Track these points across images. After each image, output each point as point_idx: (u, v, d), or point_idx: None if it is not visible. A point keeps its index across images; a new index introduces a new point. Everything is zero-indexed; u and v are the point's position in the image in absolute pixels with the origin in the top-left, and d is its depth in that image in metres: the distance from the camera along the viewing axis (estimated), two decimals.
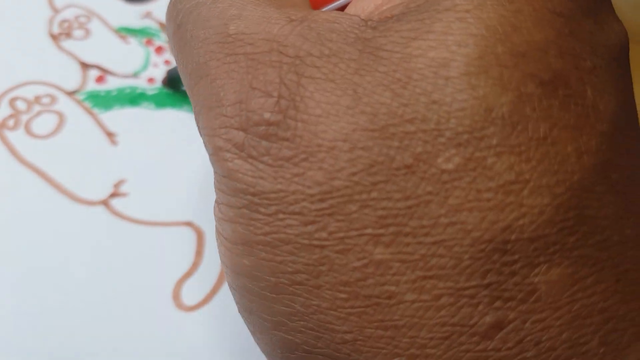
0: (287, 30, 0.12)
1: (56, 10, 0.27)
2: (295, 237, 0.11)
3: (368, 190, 0.11)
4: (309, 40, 0.12)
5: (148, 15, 0.27)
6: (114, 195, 0.22)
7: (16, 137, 0.23)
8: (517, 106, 0.10)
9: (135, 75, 0.25)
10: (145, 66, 0.25)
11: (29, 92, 0.24)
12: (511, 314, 0.10)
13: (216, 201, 0.13)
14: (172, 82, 0.24)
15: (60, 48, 0.25)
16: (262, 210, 0.12)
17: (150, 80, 0.25)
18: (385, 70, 0.11)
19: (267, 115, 0.11)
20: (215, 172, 0.13)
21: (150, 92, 0.25)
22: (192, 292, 0.20)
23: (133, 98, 0.24)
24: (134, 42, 0.26)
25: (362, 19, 0.12)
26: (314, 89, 0.11)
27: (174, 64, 0.26)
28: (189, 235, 0.21)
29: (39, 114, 0.23)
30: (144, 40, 0.26)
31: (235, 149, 0.12)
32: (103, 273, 0.20)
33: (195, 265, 0.21)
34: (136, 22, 0.27)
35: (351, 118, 0.11)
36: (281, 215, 0.11)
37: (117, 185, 0.22)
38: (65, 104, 0.24)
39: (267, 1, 0.13)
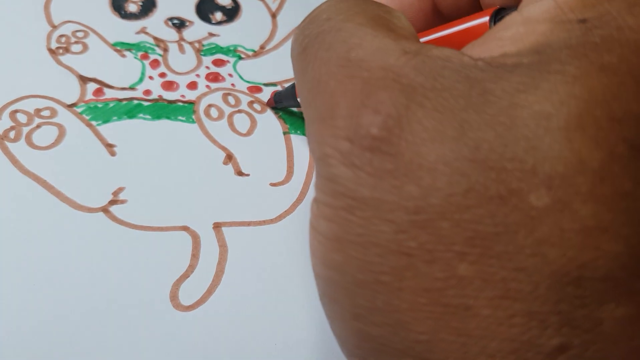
0: (403, 61, 0.13)
1: (54, 26, 0.28)
2: (385, 242, 0.12)
3: (461, 212, 0.12)
4: (422, 74, 0.13)
5: (143, 30, 0.28)
6: (113, 202, 0.23)
7: (17, 148, 0.24)
8: (607, 163, 0.11)
9: (131, 87, 0.26)
10: (141, 79, 0.26)
11: (29, 105, 0.25)
12: (575, 340, 0.11)
13: (314, 199, 0.14)
14: (277, 102, 0.26)
15: (59, 62, 0.26)
16: (358, 213, 0.12)
17: (146, 92, 0.26)
18: (492, 112, 0.12)
19: (374, 130, 0.12)
20: (318, 175, 0.14)
21: (146, 104, 0.26)
22: (188, 293, 0.21)
23: (130, 110, 0.25)
24: (129, 56, 0.27)
25: (472, 59, 0.13)
26: (422, 115, 0.12)
27: (169, 76, 0.27)
28: (185, 239, 0.22)
29: (39, 126, 0.24)
30: (140, 54, 0.27)
31: (340, 156, 0.13)
32: (103, 276, 0.21)
33: (191, 267, 0.22)
34: (132, 37, 0.28)
35: (455, 146, 0.12)
36: (375, 221, 0.12)
37: (116, 193, 0.23)
38: (64, 117, 0.25)
39: (384, 33, 0.14)
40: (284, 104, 0.26)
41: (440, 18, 0.19)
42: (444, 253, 0.12)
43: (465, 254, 0.12)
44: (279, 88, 0.27)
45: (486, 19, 0.16)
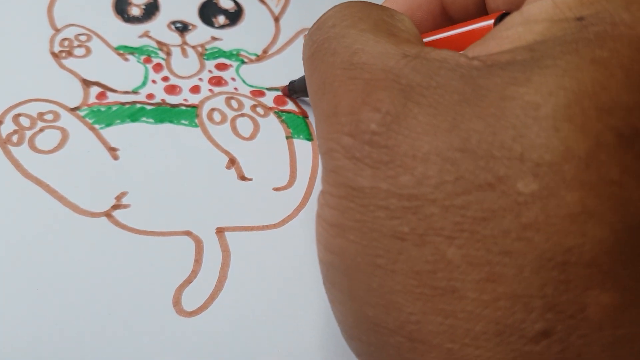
0: (402, 64, 0.14)
1: (57, 29, 0.28)
2: (380, 227, 0.13)
3: (451, 198, 0.12)
4: (420, 74, 0.13)
5: (146, 34, 0.28)
6: (116, 207, 0.23)
7: (20, 152, 0.23)
8: (593, 151, 0.12)
9: (134, 91, 0.26)
10: (144, 83, 0.26)
11: (32, 109, 0.25)
12: (559, 325, 0.11)
13: (321, 191, 0.15)
14: (291, 91, 0.27)
15: (62, 66, 0.26)
16: (357, 201, 0.13)
17: (149, 96, 0.26)
18: (483, 105, 0.12)
19: (373, 126, 0.13)
20: (324, 167, 0.15)
21: (149, 108, 0.26)
22: (191, 299, 0.21)
23: (133, 114, 0.25)
24: (132, 59, 0.27)
25: (468, 59, 0.14)
26: (418, 111, 0.13)
27: (172, 80, 0.27)
28: (188, 244, 0.22)
29: (42, 130, 0.24)
30: (143, 58, 0.27)
31: (343, 150, 0.14)
32: (106, 281, 0.21)
33: (194, 273, 0.22)
34: (134, 41, 0.28)
35: (447, 138, 0.12)
36: (372, 207, 0.13)
37: (119, 197, 0.23)
38: (67, 120, 0.25)
39: (386, 38, 0.15)
40: (298, 94, 0.27)
41: (448, 21, 0.20)
42: (433, 237, 0.12)
43: (454, 238, 0.12)
44: (281, 93, 0.27)
45: (490, 22, 0.17)
